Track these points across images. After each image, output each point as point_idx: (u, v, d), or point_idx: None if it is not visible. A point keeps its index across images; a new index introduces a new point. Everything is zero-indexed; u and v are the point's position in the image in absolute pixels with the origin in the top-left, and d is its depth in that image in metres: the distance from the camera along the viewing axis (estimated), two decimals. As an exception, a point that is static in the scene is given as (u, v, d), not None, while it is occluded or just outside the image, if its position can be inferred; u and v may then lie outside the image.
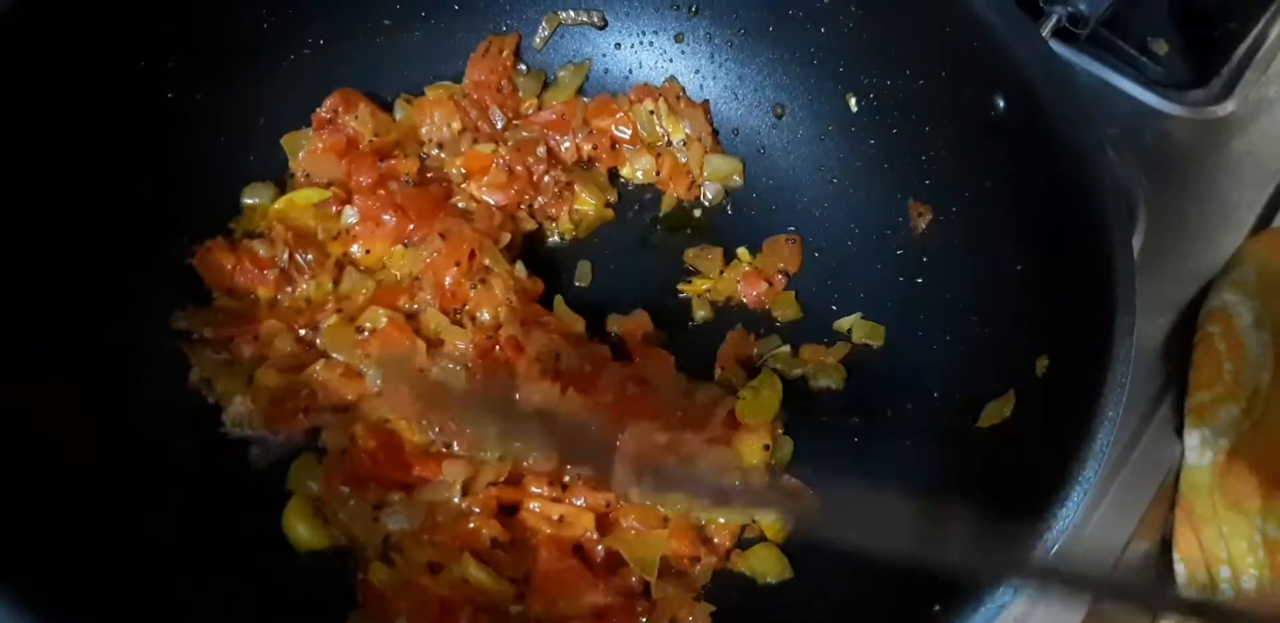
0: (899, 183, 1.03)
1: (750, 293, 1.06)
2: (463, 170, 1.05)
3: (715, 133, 1.13)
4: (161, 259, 0.96)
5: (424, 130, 1.07)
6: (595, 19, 1.12)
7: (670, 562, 0.89)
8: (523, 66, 1.12)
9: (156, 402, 0.92)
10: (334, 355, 0.94)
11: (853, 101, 1.05)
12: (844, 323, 1.04)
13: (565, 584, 0.85)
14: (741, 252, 1.08)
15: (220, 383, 0.94)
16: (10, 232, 0.84)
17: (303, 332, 0.96)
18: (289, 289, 0.98)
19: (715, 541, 0.91)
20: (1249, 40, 1.33)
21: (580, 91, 1.12)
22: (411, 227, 0.99)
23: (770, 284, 1.06)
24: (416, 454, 0.90)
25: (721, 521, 0.91)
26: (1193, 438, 1.07)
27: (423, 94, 1.08)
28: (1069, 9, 1.01)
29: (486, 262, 0.97)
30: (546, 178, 1.06)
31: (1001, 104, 0.91)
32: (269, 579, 0.85)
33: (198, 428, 0.92)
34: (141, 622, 0.72)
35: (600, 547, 0.88)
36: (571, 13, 1.13)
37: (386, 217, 0.99)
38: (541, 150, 1.07)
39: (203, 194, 1.00)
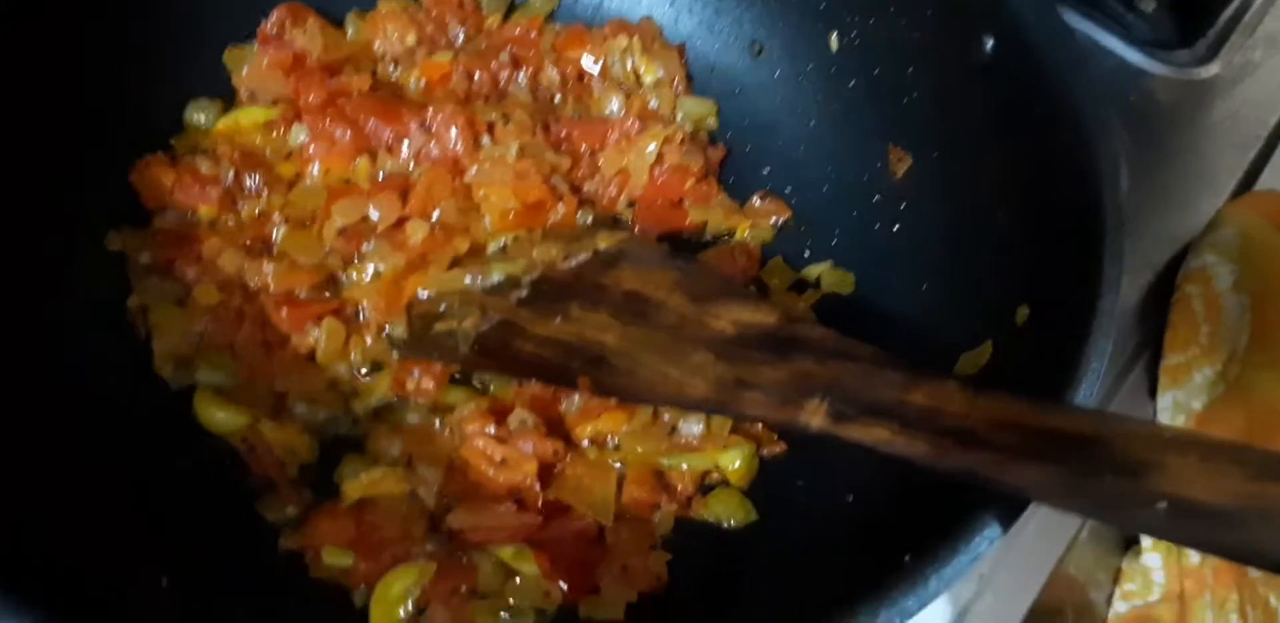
0: (879, 126, 0.99)
1: (731, 267, 1.01)
2: (422, 83, 1.01)
3: (690, 77, 1.08)
4: (97, 174, 0.91)
5: (377, 45, 1.02)
6: (567, -57, 1.07)
7: (629, 509, 0.86)
8: (487, -17, 1.07)
9: (90, 327, 0.88)
10: (298, 259, 0.91)
11: (834, 40, 1.01)
12: (813, 270, 1.01)
13: (490, 514, 0.82)
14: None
15: (155, 312, 0.89)
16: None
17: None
18: (234, 208, 0.93)
19: (677, 488, 0.88)
20: (1236, 2, 1.30)
21: (551, 19, 1.08)
22: (387, 132, 0.95)
23: (749, 255, 1.01)
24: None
25: (684, 467, 0.88)
26: (1165, 400, 1.05)
27: (375, 10, 1.03)
28: (1063, -52, 0.97)
29: (492, 116, 0.96)
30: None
31: (990, 46, 0.87)
32: (197, 518, 0.81)
33: (131, 354, 0.88)
34: (41, 550, 0.67)
35: (540, 499, 0.85)
36: (540, -62, 1.07)
37: (340, 133, 0.94)
38: (505, 56, 1.02)
39: (143, 108, 0.95)
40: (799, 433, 0.72)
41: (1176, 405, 1.05)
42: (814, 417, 0.71)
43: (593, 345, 0.84)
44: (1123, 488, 0.57)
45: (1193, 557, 1.00)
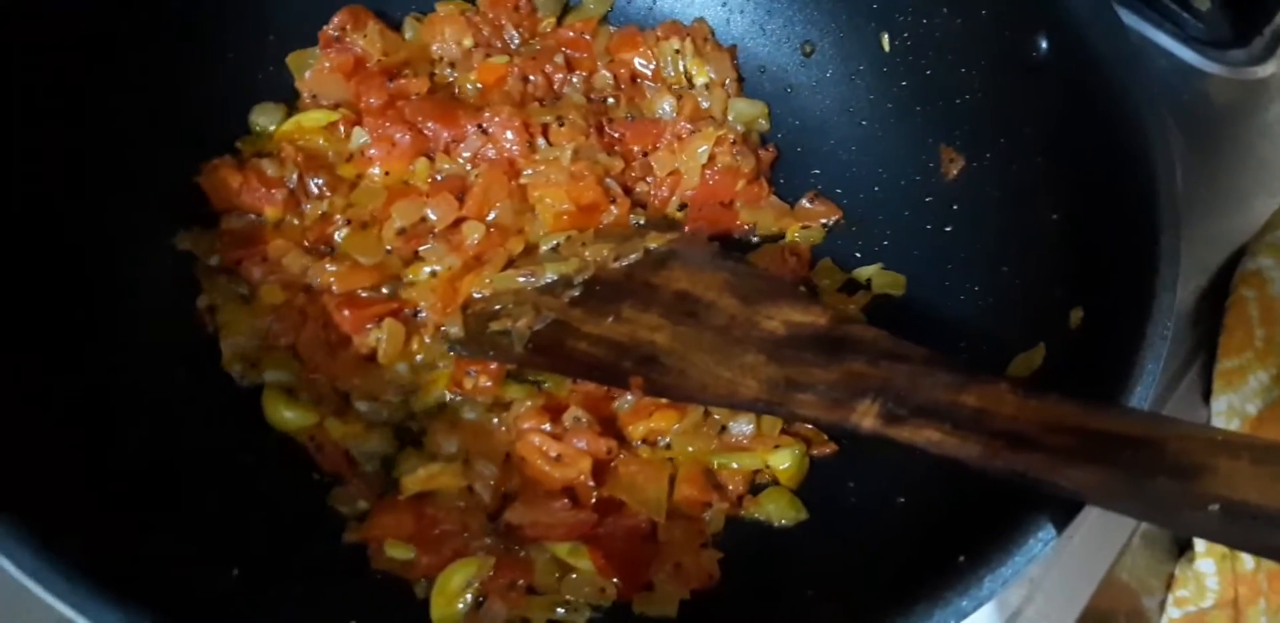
0: (931, 127, 0.99)
1: (781, 268, 1.01)
2: (479, 85, 1.02)
3: (741, 79, 1.09)
4: (167, 177, 0.93)
5: (435, 48, 1.03)
6: (619, -55, 1.08)
7: (681, 508, 0.86)
8: (542, -14, 1.08)
9: (161, 326, 0.89)
10: (359, 259, 0.93)
11: (886, 40, 1.01)
12: (864, 272, 1.01)
13: (547, 510, 0.83)
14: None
15: (222, 312, 0.91)
16: (11, 144, 0.80)
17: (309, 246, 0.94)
18: (298, 209, 0.95)
19: (728, 487, 0.88)
20: (1293, 1, 1.29)
21: (604, 21, 1.08)
22: (445, 134, 0.97)
23: (798, 256, 1.02)
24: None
25: (735, 466, 0.89)
26: (1220, 404, 1.05)
27: (433, 13, 1.04)
28: (1120, -53, 0.96)
29: (547, 118, 0.97)
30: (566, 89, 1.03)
31: (1044, 45, 0.87)
32: (266, 511, 0.83)
33: (198, 352, 0.89)
34: (119, 543, 0.69)
35: (594, 496, 0.86)
36: (594, -62, 1.08)
37: (400, 136, 0.96)
38: (559, 59, 1.03)
39: (209, 112, 0.96)
40: (850, 434, 0.72)
41: (1231, 410, 1.04)
42: (865, 418, 0.71)
43: (644, 345, 0.85)
44: (1175, 490, 0.57)
45: (1247, 562, 1.00)
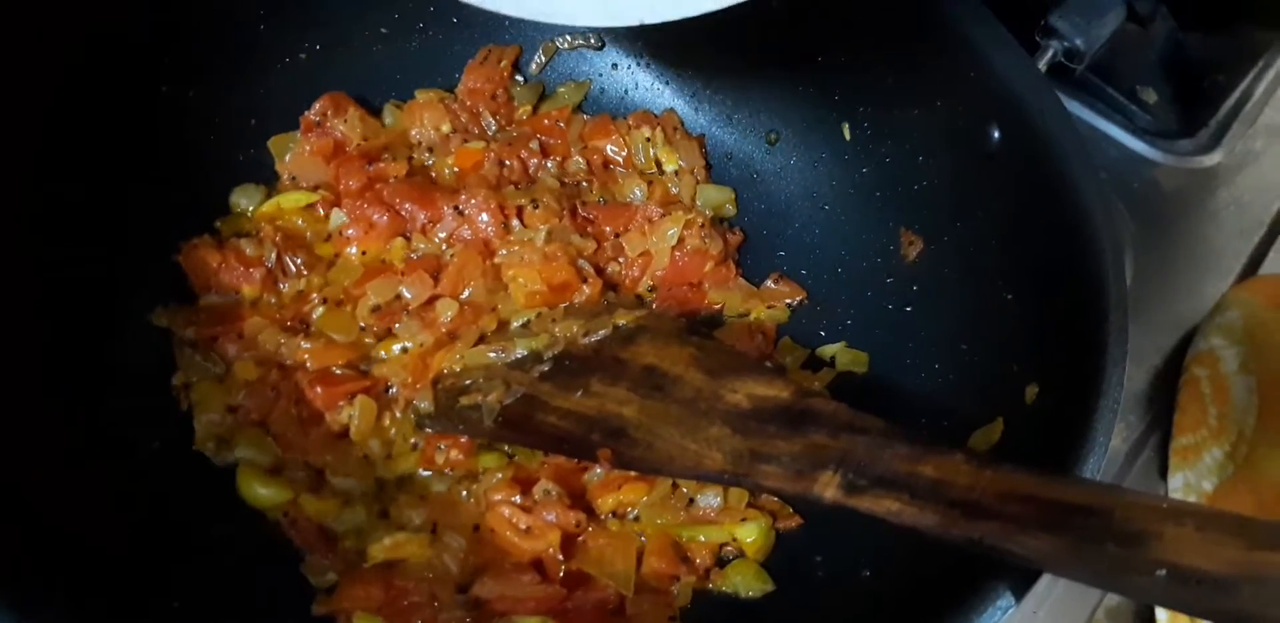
0: (891, 211, 1.03)
1: (747, 346, 1.03)
2: (455, 169, 1.05)
3: (709, 166, 1.13)
4: (147, 255, 0.95)
5: (413, 133, 1.06)
6: (592, 41, 1.12)
7: (649, 581, 0.87)
8: (519, 77, 1.12)
9: (137, 401, 0.90)
10: (334, 336, 0.94)
11: (847, 130, 1.05)
12: (828, 350, 1.03)
13: (515, 584, 0.84)
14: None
15: (197, 389, 0.92)
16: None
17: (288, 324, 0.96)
18: (275, 287, 0.97)
19: (696, 560, 0.89)
20: (1237, 94, 1.34)
21: (578, 110, 1.12)
22: (422, 216, 0.99)
23: (764, 335, 1.04)
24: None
25: (702, 539, 0.89)
26: (1176, 480, 1.06)
27: (412, 100, 1.08)
28: (1065, 44, 1.01)
29: (522, 201, 1.00)
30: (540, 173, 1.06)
31: (996, 135, 0.91)
32: (235, 584, 0.83)
33: (172, 429, 0.90)
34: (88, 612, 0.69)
35: (563, 569, 0.87)
36: (568, 37, 1.13)
37: (377, 216, 0.98)
38: (534, 145, 1.07)
39: (191, 192, 0.98)
40: (813, 505, 0.73)
41: (1187, 486, 1.06)
42: (827, 488, 0.73)
43: (612, 418, 0.86)
44: (1123, 556, 0.59)
45: (1207, 642, 1.00)
